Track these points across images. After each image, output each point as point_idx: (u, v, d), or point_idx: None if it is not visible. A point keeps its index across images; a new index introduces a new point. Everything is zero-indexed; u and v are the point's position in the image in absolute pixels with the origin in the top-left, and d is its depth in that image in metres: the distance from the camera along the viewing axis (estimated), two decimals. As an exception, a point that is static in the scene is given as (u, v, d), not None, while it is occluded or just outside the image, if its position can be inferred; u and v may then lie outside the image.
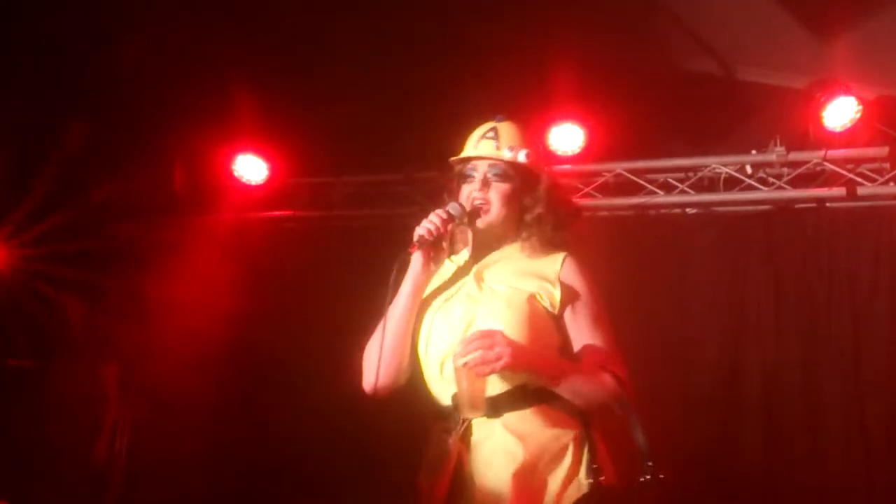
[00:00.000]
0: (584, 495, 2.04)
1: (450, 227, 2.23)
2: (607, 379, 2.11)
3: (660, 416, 3.85)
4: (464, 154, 2.34)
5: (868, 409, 4.01)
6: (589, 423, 2.16)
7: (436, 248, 2.23)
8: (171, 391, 4.49)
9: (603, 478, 2.06)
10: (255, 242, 4.87)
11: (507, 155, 2.28)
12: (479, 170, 2.29)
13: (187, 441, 4.52)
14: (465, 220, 2.25)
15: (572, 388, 2.09)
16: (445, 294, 2.27)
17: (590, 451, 2.11)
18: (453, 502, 2.05)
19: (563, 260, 2.24)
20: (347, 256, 4.52)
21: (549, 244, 2.28)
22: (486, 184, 2.27)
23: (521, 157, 2.28)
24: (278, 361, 4.47)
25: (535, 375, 2.08)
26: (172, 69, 4.31)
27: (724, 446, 4.08)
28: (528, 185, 2.30)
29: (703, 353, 4.25)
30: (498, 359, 1.97)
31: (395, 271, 2.18)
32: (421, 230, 2.19)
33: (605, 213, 4.58)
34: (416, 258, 2.22)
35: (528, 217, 2.30)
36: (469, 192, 2.28)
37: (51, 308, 4.62)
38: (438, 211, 2.23)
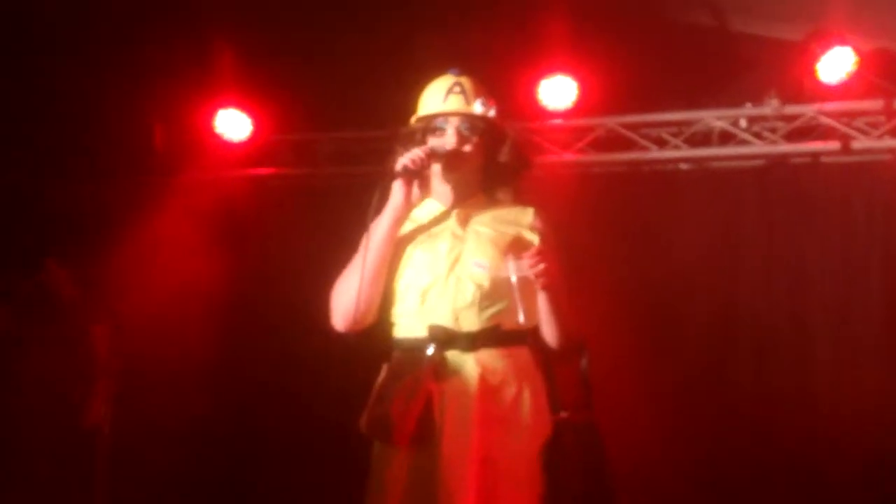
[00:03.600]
0: (555, 431, 2.24)
1: (433, 161, 2.27)
2: (576, 322, 2.31)
3: (652, 368, 3.97)
4: (433, 109, 2.36)
5: (859, 360, 4.04)
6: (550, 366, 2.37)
7: (418, 179, 2.26)
8: (158, 353, 4.44)
9: (565, 414, 2.33)
10: (238, 201, 4.75)
11: (479, 109, 2.33)
12: (451, 123, 2.32)
13: (176, 403, 4.45)
14: (445, 160, 2.29)
15: (561, 311, 2.25)
16: (427, 232, 2.33)
17: (552, 391, 2.32)
18: (422, 434, 2.12)
19: (535, 213, 2.37)
20: (333, 214, 4.41)
21: (515, 196, 2.41)
22: (460, 136, 2.31)
23: (492, 112, 2.35)
24: (264, 320, 4.41)
25: (553, 290, 2.20)
26: (151, 21, 4.17)
27: (716, 397, 4.11)
28: (496, 139, 2.38)
29: (695, 307, 4.25)
30: (553, 273, 2.14)
31: (375, 198, 2.20)
32: (405, 160, 2.23)
33: (597, 169, 4.52)
34: (398, 189, 2.25)
35: (495, 167, 2.39)
36: (442, 145, 2.31)
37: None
38: (423, 146, 2.28)
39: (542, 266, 2.11)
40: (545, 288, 2.16)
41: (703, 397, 4.11)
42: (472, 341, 2.19)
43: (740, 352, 4.20)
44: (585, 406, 2.31)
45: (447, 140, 2.30)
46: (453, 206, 2.36)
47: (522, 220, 2.34)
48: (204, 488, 4.39)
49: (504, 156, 2.38)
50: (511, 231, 2.31)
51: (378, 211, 2.24)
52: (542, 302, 2.21)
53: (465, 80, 2.36)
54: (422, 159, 2.23)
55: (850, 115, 4.25)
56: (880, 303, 4.07)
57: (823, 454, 3.95)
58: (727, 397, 4.12)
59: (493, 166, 2.38)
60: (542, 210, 2.38)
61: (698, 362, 4.17)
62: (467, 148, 2.31)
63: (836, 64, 4.02)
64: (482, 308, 2.20)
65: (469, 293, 2.20)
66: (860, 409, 3.97)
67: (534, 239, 2.30)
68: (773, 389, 4.10)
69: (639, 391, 3.89)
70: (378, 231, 2.26)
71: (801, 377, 4.10)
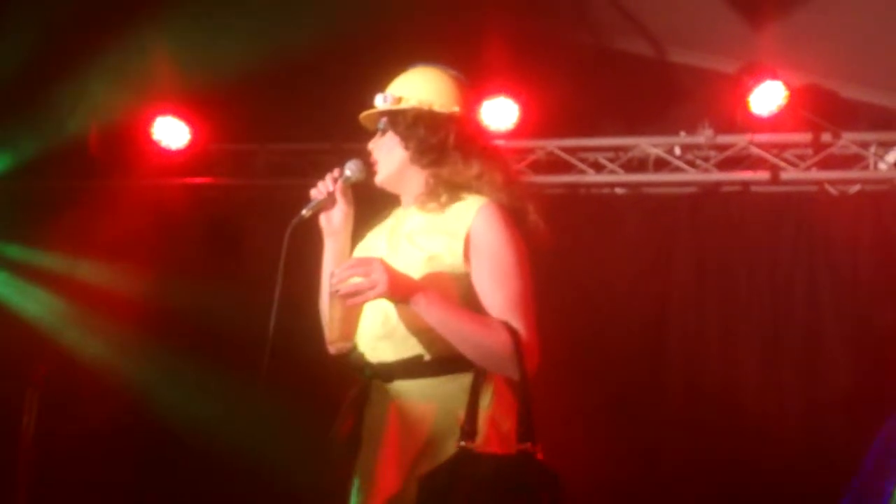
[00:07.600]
0: (450, 457, 1.86)
1: (339, 184, 2.16)
2: (502, 332, 1.89)
3: (582, 395, 4.00)
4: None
5: (784, 388, 4.15)
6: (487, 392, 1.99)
7: (330, 206, 2.17)
8: (83, 360, 4.34)
9: (473, 443, 1.86)
10: (173, 210, 4.67)
11: (379, 104, 2.17)
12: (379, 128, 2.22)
13: (102, 415, 4.38)
14: (362, 176, 2.18)
15: (459, 331, 1.91)
16: (368, 248, 2.22)
17: (471, 417, 1.89)
18: (350, 451, 2.03)
19: (479, 210, 2.01)
20: (270, 227, 4.37)
21: (457, 189, 2.08)
22: (374, 141, 2.21)
23: (381, 102, 2.15)
24: (197, 329, 4.32)
25: (418, 308, 1.91)
26: (93, 22, 4.09)
27: (646, 425, 4.15)
28: (409, 130, 2.13)
29: (628, 327, 4.31)
30: (373, 286, 1.86)
31: (286, 238, 2.08)
32: (313, 191, 2.17)
33: (535, 190, 4.55)
34: (323, 221, 2.19)
35: (418, 162, 2.14)
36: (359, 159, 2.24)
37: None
38: (334, 170, 2.20)
39: (348, 280, 1.86)
40: (357, 304, 1.92)
41: (635, 415, 4.15)
42: (387, 373, 2.01)
43: (672, 369, 4.28)
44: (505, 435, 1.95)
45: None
46: (398, 218, 2.19)
47: (459, 224, 2.01)
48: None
49: (413, 144, 2.11)
50: (431, 246, 2.01)
51: (286, 257, 2.09)
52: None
53: (395, 80, 2.21)
54: (328, 186, 2.16)
55: (779, 147, 4.39)
56: (804, 323, 4.20)
57: (751, 463, 4.00)
58: (658, 414, 4.19)
59: (419, 160, 2.13)
60: (492, 204, 2.02)
61: (631, 380, 4.22)
62: (376, 152, 2.18)
63: (768, 97, 4.15)
64: (399, 337, 1.99)
65: (378, 322, 2.02)
66: (786, 423, 4.11)
67: (457, 250, 1.99)
68: (702, 406, 4.17)
69: (571, 409, 3.91)
70: (324, 270, 2.20)
71: (730, 393, 4.17)
